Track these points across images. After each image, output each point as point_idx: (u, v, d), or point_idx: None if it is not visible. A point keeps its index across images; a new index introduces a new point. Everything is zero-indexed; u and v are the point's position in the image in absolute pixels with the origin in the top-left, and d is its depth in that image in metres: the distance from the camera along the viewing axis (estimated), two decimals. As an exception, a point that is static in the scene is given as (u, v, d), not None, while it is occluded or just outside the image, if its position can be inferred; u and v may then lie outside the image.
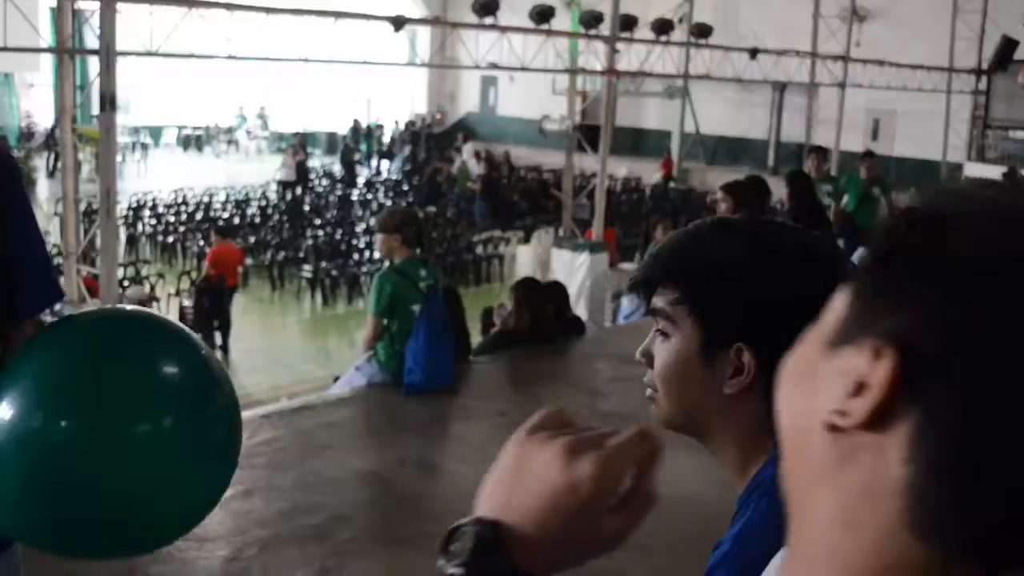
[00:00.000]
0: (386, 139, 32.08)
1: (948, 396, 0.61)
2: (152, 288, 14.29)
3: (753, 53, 19.13)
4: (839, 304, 0.70)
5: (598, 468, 0.81)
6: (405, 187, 25.60)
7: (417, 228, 6.82)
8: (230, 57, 14.18)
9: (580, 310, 11.98)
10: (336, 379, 7.38)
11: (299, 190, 23.72)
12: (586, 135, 16.83)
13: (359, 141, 31.09)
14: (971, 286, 0.61)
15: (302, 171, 24.52)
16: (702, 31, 19.49)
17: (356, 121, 31.55)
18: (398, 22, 13.57)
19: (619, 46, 16.54)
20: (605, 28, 16.06)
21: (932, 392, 0.61)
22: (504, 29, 15.51)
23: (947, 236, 0.64)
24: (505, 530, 0.81)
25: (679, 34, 19.76)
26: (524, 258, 18.21)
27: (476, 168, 25.19)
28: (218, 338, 13.32)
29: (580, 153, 16.70)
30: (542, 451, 0.83)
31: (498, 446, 0.87)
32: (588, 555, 0.85)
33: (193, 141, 32.53)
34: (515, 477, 0.84)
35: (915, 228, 0.66)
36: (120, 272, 13.09)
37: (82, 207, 11.80)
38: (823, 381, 0.67)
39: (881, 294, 0.66)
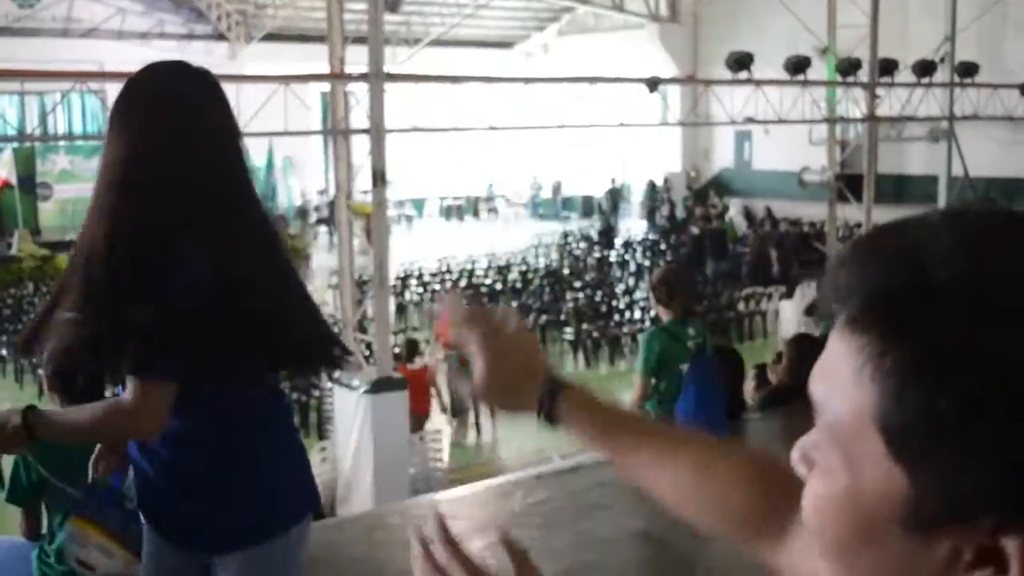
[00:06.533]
0: (640, 199, 32.30)
1: None
2: (421, 354, 14.74)
3: (1024, 89, 18.23)
4: (880, 465, 0.70)
5: None
6: (663, 246, 25.58)
7: (673, 287, 6.75)
8: (490, 128, 14.60)
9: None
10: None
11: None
12: (847, 184, 16.41)
13: (616, 203, 31.39)
14: None
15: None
16: (967, 69, 18.77)
17: (612, 182, 31.89)
18: (653, 83, 13.67)
19: (879, 91, 16.12)
20: (863, 74, 15.70)
21: None
22: (759, 83, 15.38)
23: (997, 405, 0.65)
24: None
25: (942, 74, 19.07)
26: (788, 313, 17.82)
27: (743, 225, 24.97)
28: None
29: (842, 203, 16.29)
30: None
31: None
32: None
33: (455, 211, 33.62)
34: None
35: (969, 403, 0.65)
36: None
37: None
38: (913, 557, 0.69)
39: (954, 462, 0.67)
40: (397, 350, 14.29)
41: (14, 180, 25.58)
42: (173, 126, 2.48)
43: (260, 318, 2.48)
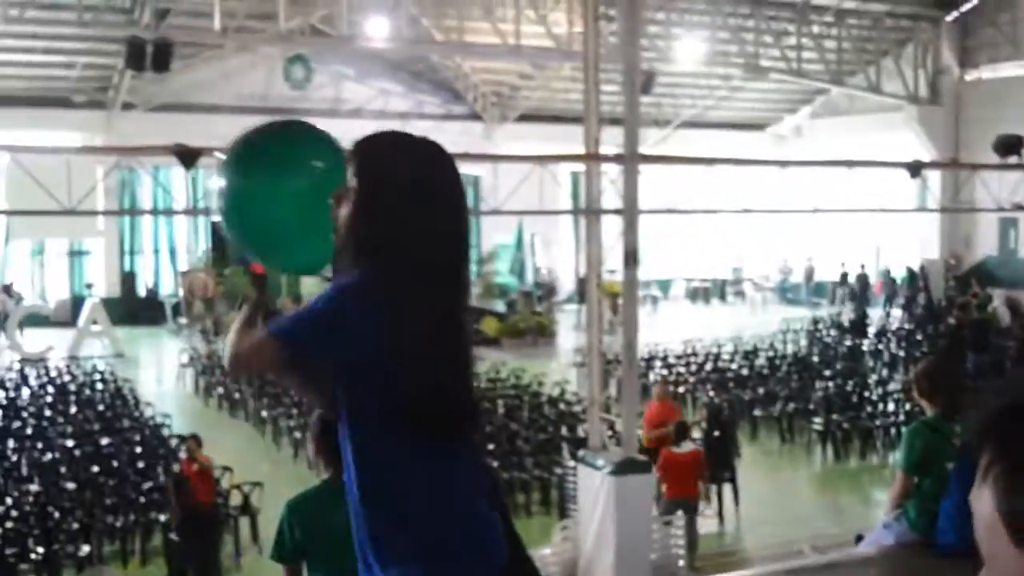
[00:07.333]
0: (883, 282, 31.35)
1: None
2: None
3: None
4: (1009, 550, 0.99)
5: None
6: (919, 336, 24.53)
7: (937, 381, 6.41)
8: (745, 211, 14.44)
9: None
10: (859, 537, 7.08)
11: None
12: None
13: (865, 289, 30.49)
14: None
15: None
16: None
17: (863, 268, 31.03)
18: (915, 167, 13.22)
19: None
20: None
21: None
22: (1029, 168, 14.68)
23: None
24: None
25: None
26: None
27: (1006, 316, 23.71)
28: (726, 489, 13.28)
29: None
30: None
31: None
32: None
33: (700, 293, 33.36)
34: None
35: None
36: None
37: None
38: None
39: None
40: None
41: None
42: (380, 200, 2.66)
43: (417, 391, 2.53)
